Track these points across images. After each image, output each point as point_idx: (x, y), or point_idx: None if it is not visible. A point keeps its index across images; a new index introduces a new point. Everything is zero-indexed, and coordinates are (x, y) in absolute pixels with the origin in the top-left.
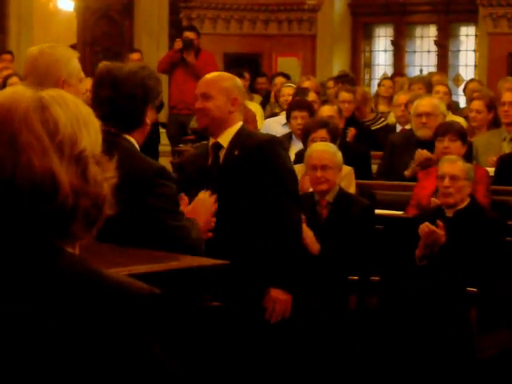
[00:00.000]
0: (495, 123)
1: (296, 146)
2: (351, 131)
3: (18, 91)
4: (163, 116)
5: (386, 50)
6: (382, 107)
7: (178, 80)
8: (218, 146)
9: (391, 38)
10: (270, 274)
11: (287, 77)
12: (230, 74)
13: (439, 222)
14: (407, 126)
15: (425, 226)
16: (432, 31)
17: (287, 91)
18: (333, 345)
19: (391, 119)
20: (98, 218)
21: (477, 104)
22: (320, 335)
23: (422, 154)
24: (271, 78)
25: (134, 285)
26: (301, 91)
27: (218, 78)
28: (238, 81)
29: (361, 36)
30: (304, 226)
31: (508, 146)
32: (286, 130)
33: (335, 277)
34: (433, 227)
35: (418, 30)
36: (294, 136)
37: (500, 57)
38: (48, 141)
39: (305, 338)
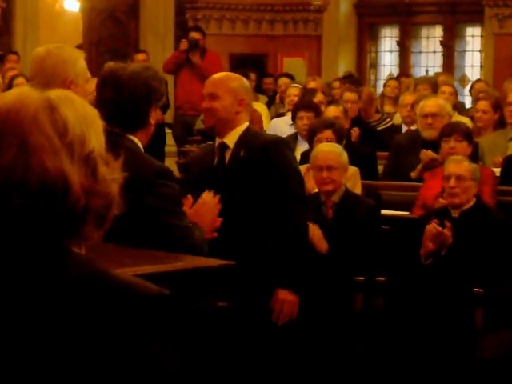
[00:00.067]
0: (501, 124)
1: (302, 147)
2: (355, 131)
3: (24, 92)
4: (169, 116)
5: (391, 51)
6: (388, 108)
7: (184, 81)
8: (224, 147)
9: (397, 39)
10: (277, 275)
11: (291, 77)
12: (237, 75)
13: (447, 223)
14: (413, 127)
15: (432, 228)
16: (438, 32)
17: (293, 92)
18: (338, 345)
19: (397, 120)
20: (108, 219)
21: (483, 104)
22: (325, 336)
23: (427, 154)
24: (276, 79)
25: (143, 285)
26: (308, 92)
27: (225, 78)
28: (245, 81)
29: (366, 36)
30: (313, 225)
31: None
32: (293, 131)
33: (341, 277)
34: (440, 228)
35: (424, 31)
36: (299, 136)
37: (506, 57)
38: (58, 142)
39: (310, 339)
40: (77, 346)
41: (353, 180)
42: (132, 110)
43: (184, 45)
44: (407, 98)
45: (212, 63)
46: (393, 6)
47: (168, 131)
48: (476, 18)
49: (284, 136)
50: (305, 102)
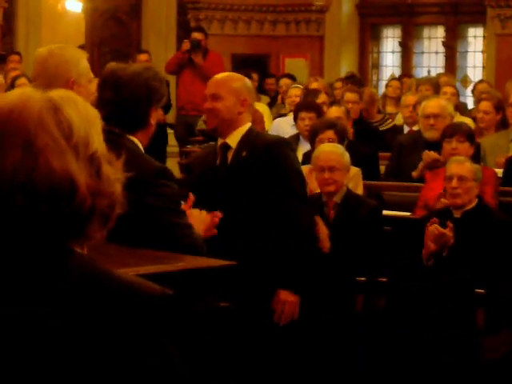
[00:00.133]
0: (503, 124)
1: (303, 147)
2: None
3: (27, 93)
4: (171, 117)
5: (393, 51)
6: (390, 108)
7: (186, 81)
8: (227, 147)
9: (399, 39)
10: (278, 276)
11: (293, 78)
12: (239, 75)
13: (449, 224)
14: (415, 127)
15: (434, 229)
16: (440, 32)
17: (294, 92)
18: (340, 346)
19: (399, 120)
20: (111, 218)
21: (485, 105)
22: (327, 336)
23: (429, 155)
24: (278, 79)
25: (146, 286)
26: (311, 92)
27: (227, 78)
28: (248, 82)
29: (368, 37)
30: (321, 223)
31: None
32: (295, 131)
33: (343, 277)
34: (441, 229)
35: (426, 31)
36: (301, 137)
37: (508, 58)
38: (64, 142)
39: (312, 339)
40: (80, 347)
41: (355, 180)
42: (132, 110)
43: (186, 45)
44: (409, 99)
45: (214, 64)
46: (395, 7)
47: (170, 132)
48: (478, 18)
49: (286, 136)
50: (306, 103)
